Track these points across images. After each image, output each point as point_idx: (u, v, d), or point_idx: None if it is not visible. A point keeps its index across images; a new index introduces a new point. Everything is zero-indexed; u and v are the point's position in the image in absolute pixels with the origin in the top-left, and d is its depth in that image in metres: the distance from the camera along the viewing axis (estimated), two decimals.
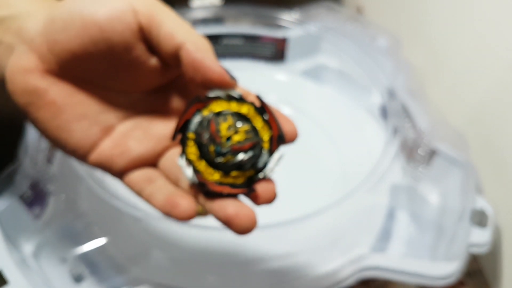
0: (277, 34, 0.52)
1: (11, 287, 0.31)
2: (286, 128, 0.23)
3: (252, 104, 0.23)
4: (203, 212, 0.42)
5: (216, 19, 0.51)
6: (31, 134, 0.37)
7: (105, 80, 0.23)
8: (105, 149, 0.23)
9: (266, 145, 0.23)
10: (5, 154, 0.44)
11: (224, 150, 0.22)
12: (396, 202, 0.37)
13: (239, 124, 0.22)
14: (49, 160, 0.36)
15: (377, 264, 0.34)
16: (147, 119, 0.24)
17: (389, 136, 0.39)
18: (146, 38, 0.22)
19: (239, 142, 0.22)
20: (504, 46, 0.39)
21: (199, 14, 0.50)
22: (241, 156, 0.22)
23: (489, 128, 0.42)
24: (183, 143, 0.23)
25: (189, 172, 0.22)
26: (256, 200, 0.22)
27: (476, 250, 0.36)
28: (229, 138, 0.22)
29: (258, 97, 0.23)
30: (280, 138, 0.23)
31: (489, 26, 0.41)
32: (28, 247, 0.33)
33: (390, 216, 0.37)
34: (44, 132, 0.23)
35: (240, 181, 0.23)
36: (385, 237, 0.36)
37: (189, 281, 0.33)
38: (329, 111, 0.51)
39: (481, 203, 0.38)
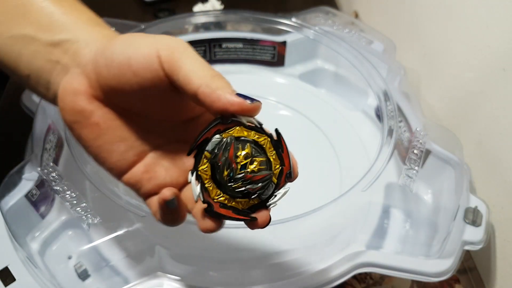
0: (276, 38, 0.53)
1: (18, 284, 0.32)
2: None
3: (270, 136, 0.23)
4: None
5: (217, 24, 0.52)
6: (37, 134, 0.38)
7: (141, 110, 0.25)
8: (137, 173, 0.25)
9: (274, 179, 0.23)
10: (12, 153, 0.44)
11: (237, 176, 0.23)
12: (391, 201, 0.37)
13: (256, 154, 0.23)
14: (55, 160, 0.36)
15: (373, 261, 0.34)
16: (177, 149, 0.26)
17: (384, 136, 0.40)
18: (171, 81, 0.23)
19: (253, 171, 0.23)
20: (494, 49, 0.40)
21: (201, 19, 0.51)
22: (251, 186, 0.23)
23: (481, 128, 0.43)
24: (197, 159, 0.23)
25: (197, 189, 0.23)
26: (252, 226, 0.24)
27: (470, 248, 0.36)
28: (244, 166, 0.22)
29: (277, 131, 0.23)
30: (289, 174, 0.23)
31: (481, 29, 0.41)
32: (33, 245, 0.33)
33: (386, 214, 0.37)
34: (86, 148, 0.25)
35: (242, 206, 0.23)
36: (380, 235, 0.36)
37: (193, 278, 0.33)
38: (327, 113, 0.52)
39: (475, 202, 0.38)
